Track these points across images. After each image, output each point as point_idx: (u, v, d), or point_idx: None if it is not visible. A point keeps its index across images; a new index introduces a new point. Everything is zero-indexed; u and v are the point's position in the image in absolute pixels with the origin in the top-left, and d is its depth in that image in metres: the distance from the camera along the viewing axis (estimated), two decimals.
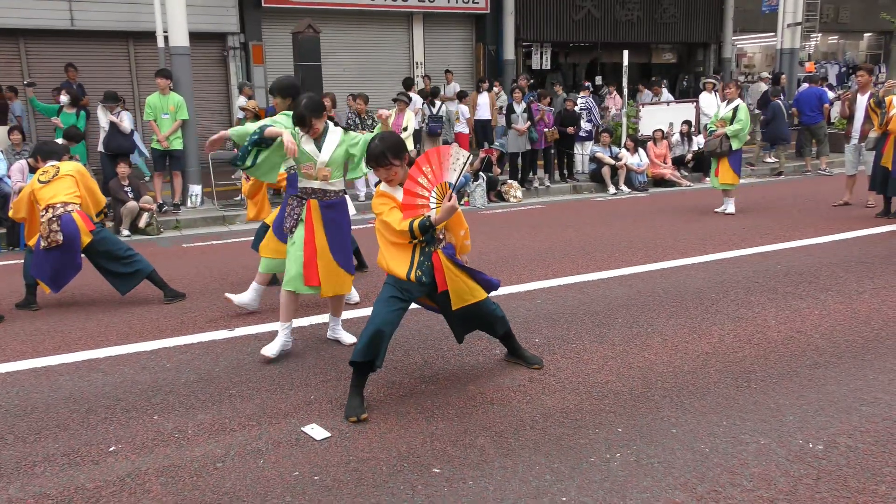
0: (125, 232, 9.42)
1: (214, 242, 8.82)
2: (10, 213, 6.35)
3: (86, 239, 5.86)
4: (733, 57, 21.74)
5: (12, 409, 4.02)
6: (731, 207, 9.74)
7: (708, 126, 10.05)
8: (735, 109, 9.48)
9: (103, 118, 10.33)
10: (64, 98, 10.99)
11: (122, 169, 9.62)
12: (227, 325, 5.39)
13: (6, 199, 9.12)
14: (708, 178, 13.33)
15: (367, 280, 6.67)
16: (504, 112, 12.72)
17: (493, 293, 4.26)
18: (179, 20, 10.70)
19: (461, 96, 13.97)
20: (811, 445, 3.38)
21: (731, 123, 9.44)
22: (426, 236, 3.84)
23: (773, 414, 3.71)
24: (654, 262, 7.08)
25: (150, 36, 12.09)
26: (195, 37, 11.79)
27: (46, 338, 5.27)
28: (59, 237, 5.77)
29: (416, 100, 13.54)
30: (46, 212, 5.80)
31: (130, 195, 9.59)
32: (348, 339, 4.92)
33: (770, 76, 16.06)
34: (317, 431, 3.65)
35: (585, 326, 5.18)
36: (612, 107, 15.55)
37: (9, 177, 8.95)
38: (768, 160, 14.76)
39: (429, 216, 3.79)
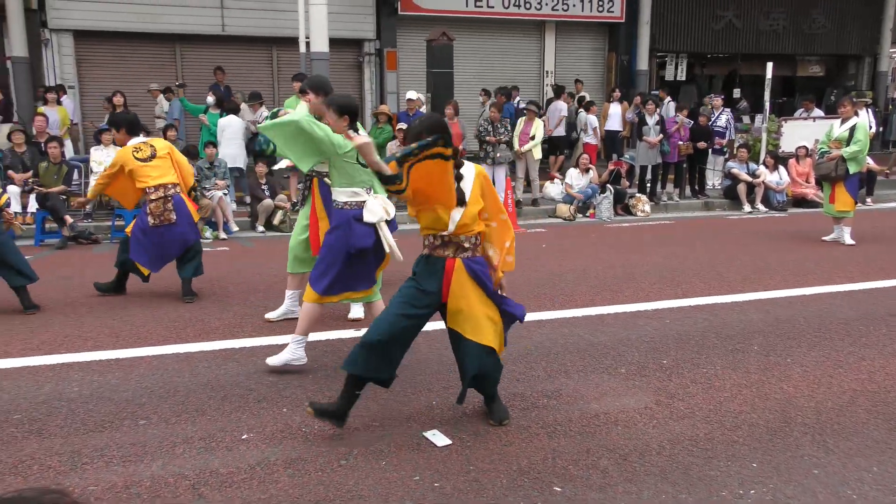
0: (260, 228, 9.90)
1: None
2: (97, 187, 6.42)
3: (196, 217, 6.30)
4: (890, 71, 20.17)
5: (157, 390, 4.29)
6: (848, 238, 8.79)
7: (819, 147, 9.08)
8: (852, 129, 8.58)
9: (246, 116, 10.90)
10: (210, 99, 11.70)
11: (261, 168, 10.11)
12: (355, 326, 5.52)
13: None
14: (870, 199, 12.51)
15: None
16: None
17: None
18: (321, 27, 11.15)
19: (588, 106, 13.73)
20: None
21: (848, 144, 8.55)
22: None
23: None
24: (794, 287, 6.65)
25: (292, 42, 12.66)
26: (334, 43, 12.24)
27: (188, 325, 5.59)
28: (173, 216, 6.09)
29: (561, 107, 13.50)
30: (156, 190, 6.06)
31: (267, 193, 10.07)
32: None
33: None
34: (438, 438, 3.66)
35: (717, 351, 4.93)
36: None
37: None
38: None
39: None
